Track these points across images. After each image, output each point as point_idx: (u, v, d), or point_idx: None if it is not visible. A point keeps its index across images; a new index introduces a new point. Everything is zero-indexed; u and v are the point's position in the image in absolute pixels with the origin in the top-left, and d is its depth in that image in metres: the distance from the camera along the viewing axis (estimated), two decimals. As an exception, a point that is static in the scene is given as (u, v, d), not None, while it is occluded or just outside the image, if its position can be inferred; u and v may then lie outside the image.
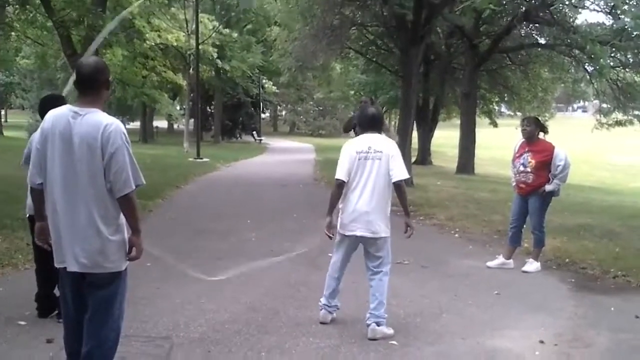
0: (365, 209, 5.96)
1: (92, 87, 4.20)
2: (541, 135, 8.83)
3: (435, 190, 18.81)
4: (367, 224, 5.98)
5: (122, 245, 4.23)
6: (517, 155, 8.85)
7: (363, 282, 7.64)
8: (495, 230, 11.40)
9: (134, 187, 4.14)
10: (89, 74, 4.20)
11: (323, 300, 6.30)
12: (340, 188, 6.07)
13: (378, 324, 5.84)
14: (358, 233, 6.03)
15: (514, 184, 8.94)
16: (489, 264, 8.88)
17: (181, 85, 42.10)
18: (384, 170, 5.96)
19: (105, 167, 4.07)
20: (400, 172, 5.97)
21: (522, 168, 8.69)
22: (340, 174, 6.04)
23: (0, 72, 40.45)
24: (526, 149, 8.72)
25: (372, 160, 5.99)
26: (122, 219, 4.22)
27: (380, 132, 6.24)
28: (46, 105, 5.68)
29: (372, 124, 6.22)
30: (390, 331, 5.89)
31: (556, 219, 11.95)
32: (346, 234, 6.11)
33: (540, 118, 11.05)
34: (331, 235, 6.22)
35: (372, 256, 6.11)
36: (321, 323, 6.19)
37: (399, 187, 6.01)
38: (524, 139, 8.81)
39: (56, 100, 5.70)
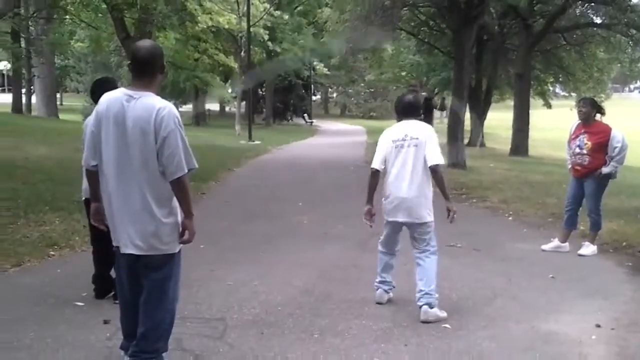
0: (405, 196, 6.03)
1: (147, 71, 4.24)
2: (598, 116, 8.65)
3: (489, 172, 18.60)
4: (408, 210, 6.05)
5: (175, 227, 4.27)
6: (573, 137, 8.70)
7: (414, 264, 7.64)
8: (550, 213, 11.23)
9: (186, 171, 4.17)
10: (145, 57, 4.24)
11: (377, 279, 6.37)
12: (374, 176, 6.20)
13: (430, 306, 5.83)
14: (400, 219, 6.12)
15: (569, 166, 8.79)
16: (544, 247, 8.77)
17: (233, 67, 42.29)
18: (421, 156, 6.00)
19: (158, 151, 4.11)
20: (435, 157, 5.99)
21: (578, 150, 8.54)
22: (375, 162, 6.18)
23: (56, 56, 41.00)
24: (582, 131, 8.56)
25: (408, 148, 6.04)
26: (175, 201, 4.26)
27: (417, 118, 6.29)
28: (97, 88, 5.77)
29: (409, 111, 6.28)
30: (444, 314, 5.87)
31: (612, 201, 11.72)
32: (389, 219, 6.21)
33: (596, 99, 10.82)
34: (370, 224, 6.29)
35: (417, 239, 6.16)
36: (377, 303, 6.24)
37: (435, 172, 6.02)
38: (580, 121, 8.65)
39: (106, 84, 5.78)
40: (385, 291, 6.33)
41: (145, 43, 4.42)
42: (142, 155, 4.13)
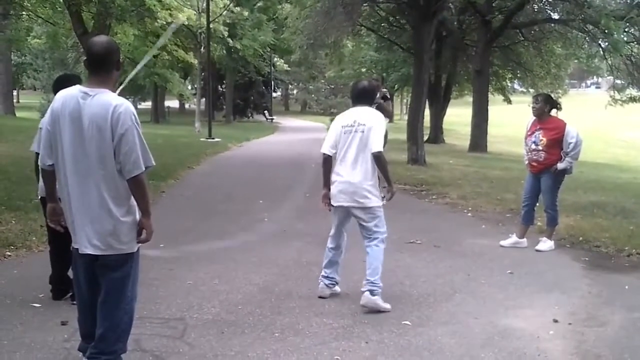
0: (349, 180, 6.16)
1: (102, 67, 4.16)
2: (553, 112, 8.74)
3: (448, 168, 18.76)
4: (352, 195, 6.17)
5: (133, 226, 4.22)
6: (529, 133, 8.78)
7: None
8: (508, 209, 11.36)
9: (143, 169, 4.11)
10: (100, 53, 4.16)
11: (322, 273, 6.48)
12: (326, 162, 6.39)
13: (372, 293, 5.98)
14: (344, 204, 6.24)
15: (526, 162, 8.88)
16: (502, 243, 8.86)
17: (192, 64, 42.06)
18: (367, 142, 6.11)
19: (115, 149, 4.05)
20: (375, 144, 6.08)
21: (533, 146, 8.63)
22: (325, 147, 6.35)
23: (12, 53, 40.43)
24: (538, 127, 8.65)
25: (355, 133, 6.17)
26: (134, 200, 4.21)
27: (370, 105, 6.44)
28: (59, 85, 5.65)
29: (362, 97, 6.40)
30: (386, 305, 6.01)
31: (569, 197, 11.91)
32: (335, 204, 6.33)
33: (553, 94, 10.96)
34: (329, 208, 6.41)
35: (364, 226, 6.27)
36: (319, 297, 6.32)
37: (377, 159, 6.12)
38: (535, 117, 8.74)
39: (71, 80, 5.67)
40: (327, 285, 6.42)
41: (100, 38, 4.34)
42: (98, 153, 4.07)
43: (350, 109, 6.39)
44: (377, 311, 5.94)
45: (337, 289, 6.48)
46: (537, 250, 8.56)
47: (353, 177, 6.13)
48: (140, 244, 4.31)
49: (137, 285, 4.43)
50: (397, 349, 5.08)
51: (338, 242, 6.49)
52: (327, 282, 6.42)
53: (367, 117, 6.20)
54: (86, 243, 4.15)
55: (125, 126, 4.02)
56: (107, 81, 4.18)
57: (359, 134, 6.13)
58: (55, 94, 5.57)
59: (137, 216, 4.24)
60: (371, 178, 6.16)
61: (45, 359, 4.71)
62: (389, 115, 7.40)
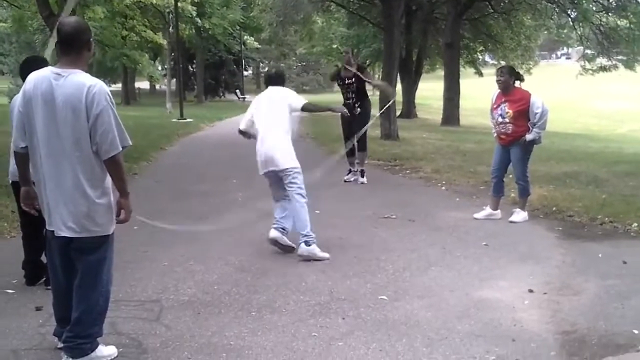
0: (264, 149, 7.10)
1: (73, 47, 4.13)
2: (517, 83, 8.73)
3: (421, 143, 18.79)
4: (270, 161, 7.07)
5: (109, 208, 4.20)
6: (494, 106, 8.77)
7: (350, 238, 7.69)
8: (482, 181, 11.38)
9: (120, 149, 4.10)
10: (71, 33, 4.12)
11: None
12: (242, 135, 7.64)
13: (307, 243, 6.84)
14: (266, 169, 7.15)
15: (494, 134, 8.90)
16: (476, 215, 8.89)
17: (161, 44, 41.72)
18: (277, 113, 7.18)
19: (90, 129, 4.03)
20: (299, 101, 7.28)
21: (500, 119, 8.62)
22: (241, 124, 7.59)
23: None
24: (503, 99, 8.63)
25: (265, 108, 7.28)
26: (109, 181, 4.19)
27: (282, 86, 7.58)
28: (28, 67, 5.55)
29: (272, 80, 7.59)
30: (324, 255, 6.86)
31: (542, 167, 12.00)
32: (261, 173, 7.24)
33: (524, 66, 10.97)
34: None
35: (287, 185, 7.11)
36: (270, 239, 7.09)
37: (305, 109, 7.35)
38: (499, 90, 8.72)
39: (38, 62, 5.58)
40: (275, 229, 7.13)
41: (70, 19, 4.31)
42: (74, 135, 4.03)
43: (266, 89, 7.51)
44: (315, 259, 6.76)
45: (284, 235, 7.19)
46: (511, 222, 8.61)
47: (267, 145, 7.07)
48: (116, 225, 4.29)
49: (112, 268, 4.41)
50: (374, 324, 5.10)
51: (279, 197, 7.33)
52: (274, 225, 7.19)
53: (277, 93, 7.35)
54: (61, 225, 4.12)
55: (100, 106, 4.00)
56: (79, 61, 4.15)
57: (268, 106, 7.25)
58: (22, 77, 5.50)
59: (112, 198, 4.22)
60: (284, 143, 7.11)
61: (21, 345, 4.66)
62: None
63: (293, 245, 7.06)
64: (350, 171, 11.96)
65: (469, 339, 4.79)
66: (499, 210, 8.90)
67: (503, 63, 37.02)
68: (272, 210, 7.35)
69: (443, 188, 11.44)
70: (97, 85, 4.06)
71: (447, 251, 7.22)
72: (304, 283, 6.12)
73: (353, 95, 11.52)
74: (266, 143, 7.07)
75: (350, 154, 11.82)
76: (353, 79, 11.43)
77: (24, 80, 5.48)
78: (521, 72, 9.19)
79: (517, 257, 7.00)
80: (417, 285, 6.06)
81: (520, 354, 4.54)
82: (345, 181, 11.84)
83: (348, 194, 10.94)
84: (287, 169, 7.04)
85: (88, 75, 4.13)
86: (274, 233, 7.08)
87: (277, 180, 7.19)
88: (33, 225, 5.65)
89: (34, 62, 5.65)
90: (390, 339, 4.78)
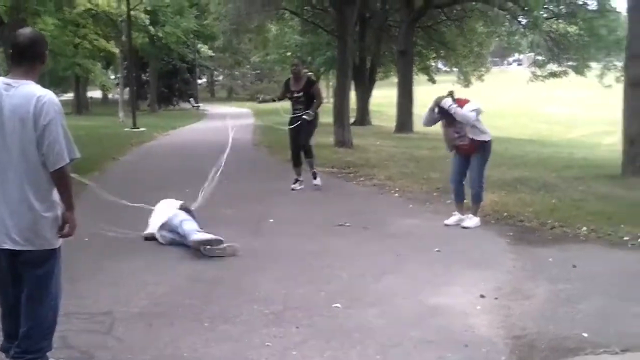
0: None
1: (26, 59, 4.10)
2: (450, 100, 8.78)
3: (375, 150, 18.88)
4: None
5: (55, 221, 4.14)
6: (445, 124, 8.88)
7: (304, 246, 7.69)
8: (435, 188, 11.48)
9: (67, 161, 4.04)
10: (26, 44, 4.09)
11: None
12: None
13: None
14: None
15: (451, 150, 9.01)
16: (447, 221, 8.88)
17: (114, 53, 41.28)
18: None
19: (38, 140, 3.97)
20: None
21: (456, 135, 8.74)
22: None
23: None
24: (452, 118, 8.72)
25: None
26: (56, 195, 4.12)
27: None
28: None
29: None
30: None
31: (494, 173, 12.12)
32: None
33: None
34: None
35: None
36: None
37: None
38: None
39: None
40: None
41: (25, 30, 4.26)
42: (21, 145, 3.97)
43: None
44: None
45: None
46: (464, 227, 8.68)
47: None
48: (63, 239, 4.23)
49: (60, 281, 4.34)
50: (328, 332, 5.09)
51: None
52: None
53: None
54: (5, 238, 4.05)
55: (49, 117, 3.95)
56: (31, 73, 4.11)
57: None
58: None
59: (59, 212, 4.16)
60: None
61: (-34, 362, 4.56)
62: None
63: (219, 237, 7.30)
64: (296, 180, 11.97)
65: (422, 345, 4.82)
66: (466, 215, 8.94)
67: (455, 70, 37.52)
68: None
69: (396, 195, 11.48)
70: (46, 96, 4.01)
71: (401, 258, 7.26)
72: (257, 292, 6.08)
73: (302, 107, 11.58)
74: None
75: (296, 163, 11.92)
76: (302, 93, 11.51)
77: None
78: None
79: (469, 262, 7.06)
80: (371, 293, 6.08)
81: (471, 359, 4.58)
82: (292, 189, 11.84)
83: (301, 201, 10.95)
84: None
85: (39, 86, 4.08)
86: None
87: None
88: None
89: None
90: (344, 347, 4.78)
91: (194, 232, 7.53)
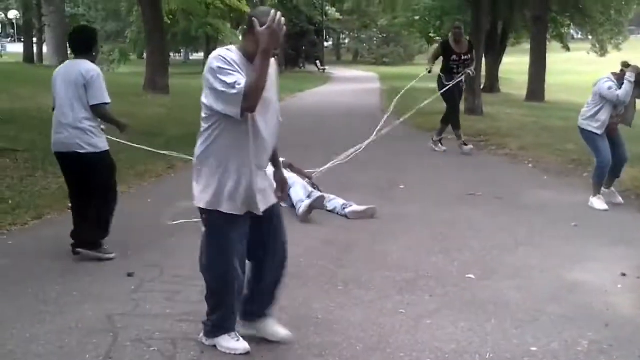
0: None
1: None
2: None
3: (506, 118, 18.39)
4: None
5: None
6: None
7: (435, 214, 7.61)
8: (570, 160, 11.09)
9: None
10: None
11: None
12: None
13: None
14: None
15: (602, 131, 8.15)
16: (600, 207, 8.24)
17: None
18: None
19: None
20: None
21: (614, 113, 8.12)
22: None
23: (66, 4, 40.75)
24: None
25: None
26: None
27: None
28: (74, 38, 5.89)
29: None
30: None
31: (635, 147, 11.58)
32: None
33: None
34: None
35: None
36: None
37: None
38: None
39: (83, 33, 6.03)
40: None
41: None
42: None
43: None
44: None
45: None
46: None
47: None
48: None
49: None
50: (462, 303, 5.03)
51: None
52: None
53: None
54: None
55: None
56: None
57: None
58: (71, 47, 5.72)
59: None
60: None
61: (115, 310, 4.76)
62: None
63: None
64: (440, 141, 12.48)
65: (560, 322, 4.67)
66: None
67: (591, 38, 36.01)
68: None
69: (530, 166, 11.19)
70: None
71: (536, 231, 7.07)
72: (389, 258, 6.08)
73: (462, 70, 12.03)
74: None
75: (456, 125, 12.35)
76: (468, 55, 12.06)
77: (73, 50, 5.68)
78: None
79: (609, 239, 6.80)
80: (506, 265, 5.96)
81: (613, 339, 4.39)
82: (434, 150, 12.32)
83: (431, 168, 10.84)
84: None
85: None
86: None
87: None
88: (81, 198, 6.01)
89: (81, 33, 5.98)
90: (479, 319, 4.71)
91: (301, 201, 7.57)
